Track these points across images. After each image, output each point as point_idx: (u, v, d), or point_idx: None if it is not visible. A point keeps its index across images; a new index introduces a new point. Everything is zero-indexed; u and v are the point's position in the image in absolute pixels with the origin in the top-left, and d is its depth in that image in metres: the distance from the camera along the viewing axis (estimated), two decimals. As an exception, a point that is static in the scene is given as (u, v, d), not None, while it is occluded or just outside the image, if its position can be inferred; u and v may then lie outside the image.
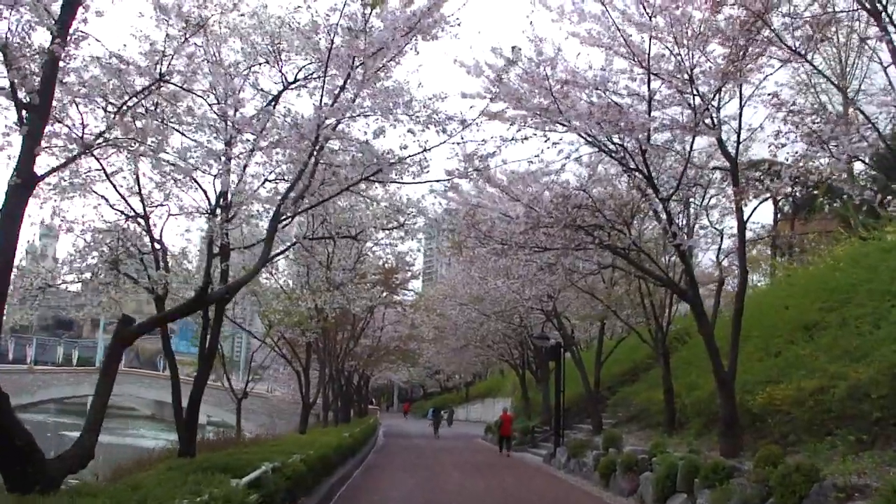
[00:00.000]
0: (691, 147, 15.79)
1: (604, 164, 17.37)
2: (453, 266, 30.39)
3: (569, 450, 24.25)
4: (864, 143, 11.97)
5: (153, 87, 10.97)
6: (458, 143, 12.04)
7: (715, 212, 21.69)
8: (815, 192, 40.69)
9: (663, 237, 17.81)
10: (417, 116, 12.17)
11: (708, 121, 15.22)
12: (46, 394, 61.38)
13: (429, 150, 11.80)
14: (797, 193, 42.31)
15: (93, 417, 10.27)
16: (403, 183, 12.41)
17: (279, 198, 12.22)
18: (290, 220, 12.63)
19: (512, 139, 13.82)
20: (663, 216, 16.29)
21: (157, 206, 14.69)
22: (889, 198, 14.72)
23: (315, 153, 11.61)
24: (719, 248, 20.43)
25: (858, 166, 35.18)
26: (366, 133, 11.84)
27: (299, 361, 27.98)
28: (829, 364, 16.74)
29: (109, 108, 10.88)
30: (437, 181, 12.74)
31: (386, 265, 34.72)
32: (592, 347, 33.94)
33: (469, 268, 25.84)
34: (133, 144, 11.85)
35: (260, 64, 13.38)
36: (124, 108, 10.71)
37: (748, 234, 19.40)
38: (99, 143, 11.14)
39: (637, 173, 15.71)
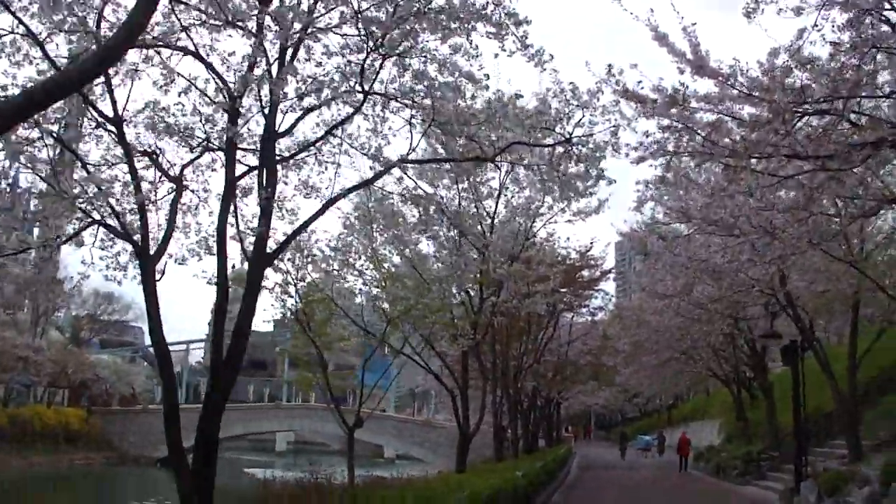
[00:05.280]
0: None
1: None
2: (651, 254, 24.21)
3: (820, 485, 17.83)
4: None
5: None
6: None
7: None
8: None
9: None
10: None
11: None
12: (229, 431, 62.17)
13: None
14: None
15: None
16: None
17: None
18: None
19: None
20: None
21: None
22: None
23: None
24: None
25: None
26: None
27: (454, 380, 22.48)
28: None
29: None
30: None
31: (567, 260, 29.10)
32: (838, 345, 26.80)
33: (671, 247, 19.65)
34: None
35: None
36: None
37: None
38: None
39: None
